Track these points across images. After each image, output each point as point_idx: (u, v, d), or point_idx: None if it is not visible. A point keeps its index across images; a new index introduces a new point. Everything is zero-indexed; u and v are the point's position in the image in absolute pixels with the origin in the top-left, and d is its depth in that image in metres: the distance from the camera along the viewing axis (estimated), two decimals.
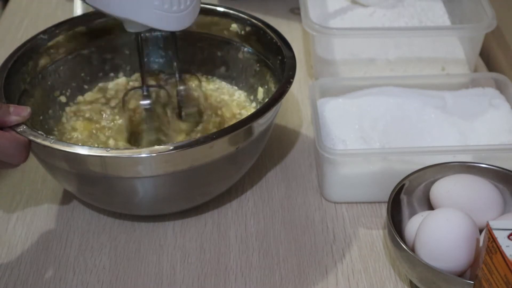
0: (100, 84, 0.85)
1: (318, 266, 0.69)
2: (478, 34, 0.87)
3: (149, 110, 0.78)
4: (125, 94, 0.78)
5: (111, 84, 0.85)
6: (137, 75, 0.86)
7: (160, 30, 0.77)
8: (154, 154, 0.64)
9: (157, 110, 0.78)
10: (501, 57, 0.96)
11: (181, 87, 0.80)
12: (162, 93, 0.79)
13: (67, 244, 0.72)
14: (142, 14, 0.67)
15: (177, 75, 0.80)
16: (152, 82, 0.84)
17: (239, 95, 0.84)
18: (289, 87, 0.72)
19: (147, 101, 0.78)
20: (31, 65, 0.78)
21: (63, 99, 0.82)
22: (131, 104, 0.78)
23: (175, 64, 0.80)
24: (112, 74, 0.86)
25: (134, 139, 0.78)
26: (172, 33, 0.78)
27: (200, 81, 0.83)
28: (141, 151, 0.64)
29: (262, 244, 0.72)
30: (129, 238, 0.73)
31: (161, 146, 0.65)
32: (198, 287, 0.68)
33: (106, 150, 0.64)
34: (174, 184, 0.69)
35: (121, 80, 0.86)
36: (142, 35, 0.75)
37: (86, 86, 0.84)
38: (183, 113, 0.80)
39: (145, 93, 0.78)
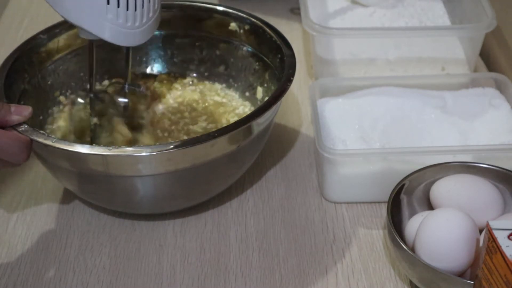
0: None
1: (318, 266, 0.69)
2: (478, 34, 0.87)
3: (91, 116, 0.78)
4: (106, 89, 0.79)
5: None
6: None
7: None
8: (155, 153, 0.64)
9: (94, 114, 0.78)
10: (501, 57, 0.96)
11: (125, 99, 0.79)
12: (140, 91, 0.79)
13: (67, 244, 0.72)
14: (95, 25, 0.66)
15: (126, 86, 0.79)
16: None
17: (238, 101, 0.84)
18: (290, 85, 0.72)
19: (125, 100, 0.78)
20: (31, 65, 0.78)
21: (62, 99, 0.82)
22: (111, 98, 0.78)
23: (127, 75, 0.79)
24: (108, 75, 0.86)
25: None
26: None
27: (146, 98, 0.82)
28: (143, 150, 0.64)
29: (262, 244, 0.72)
30: (129, 238, 0.73)
31: (163, 145, 0.65)
32: (198, 287, 0.68)
33: (108, 149, 0.64)
34: (175, 183, 0.70)
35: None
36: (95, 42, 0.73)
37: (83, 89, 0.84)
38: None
39: (126, 90, 0.78)
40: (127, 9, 0.66)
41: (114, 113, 0.78)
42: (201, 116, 0.82)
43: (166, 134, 0.79)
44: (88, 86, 0.77)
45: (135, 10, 0.66)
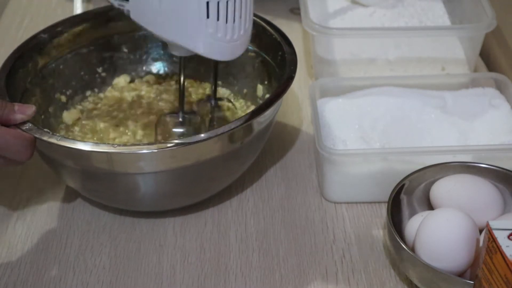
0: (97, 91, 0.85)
1: (318, 266, 0.69)
2: (478, 34, 0.87)
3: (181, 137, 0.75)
4: (159, 119, 0.76)
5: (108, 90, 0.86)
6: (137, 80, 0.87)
7: (207, 58, 0.69)
8: (160, 150, 0.64)
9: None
10: (501, 57, 0.96)
11: (216, 114, 0.79)
12: (196, 119, 0.76)
13: (67, 244, 0.72)
14: (192, 40, 0.64)
15: (212, 101, 0.79)
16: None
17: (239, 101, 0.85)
18: (292, 82, 0.72)
19: (181, 130, 0.75)
20: (32, 64, 0.78)
21: (63, 98, 0.82)
22: (165, 130, 0.76)
23: (212, 89, 0.79)
24: (108, 74, 0.86)
25: None
26: (216, 61, 0.76)
27: (233, 104, 0.81)
28: (147, 148, 0.64)
29: (262, 244, 0.72)
30: (129, 237, 0.73)
31: (167, 143, 0.65)
32: (198, 287, 0.68)
33: (113, 147, 0.65)
34: (179, 180, 0.70)
35: (120, 81, 0.86)
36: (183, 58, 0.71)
37: (84, 89, 0.84)
38: None
39: (180, 119, 0.75)
40: (226, 22, 0.63)
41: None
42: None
43: None
44: (178, 106, 0.75)
45: (234, 22, 0.64)
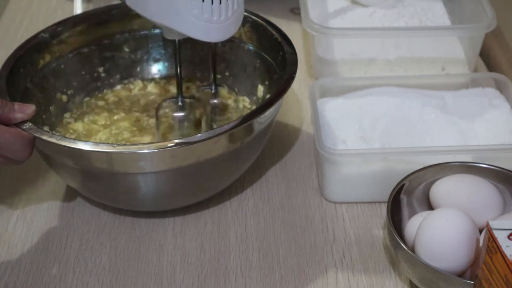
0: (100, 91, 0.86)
1: (318, 266, 0.69)
2: (478, 34, 0.87)
3: (182, 121, 0.76)
4: (159, 105, 0.77)
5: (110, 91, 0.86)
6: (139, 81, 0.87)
7: (198, 40, 0.69)
8: (160, 150, 0.64)
9: (191, 121, 0.76)
10: (501, 57, 0.96)
11: (216, 100, 0.80)
12: (197, 104, 0.76)
13: (67, 244, 0.72)
14: (180, 22, 0.65)
15: (213, 87, 0.80)
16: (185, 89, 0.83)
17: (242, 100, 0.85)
18: (292, 82, 0.72)
19: (182, 113, 0.75)
20: (33, 63, 0.78)
21: (64, 98, 0.82)
22: (165, 114, 0.76)
23: (212, 76, 0.79)
24: (109, 74, 0.86)
25: None
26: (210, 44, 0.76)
27: (236, 94, 0.82)
28: (147, 147, 0.64)
29: (262, 244, 0.72)
30: (129, 237, 0.73)
31: (167, 142, 0.65)
32: (198, 287, 0.68)
33: (113, 147, 0.65)
34: (179, 180, 0.70)
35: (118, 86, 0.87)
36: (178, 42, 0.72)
37: (85, 88, 0.85)
38: (215, 126, 0.78)
39: (179, 103, 0.75)
40: (212, 3, 0.64)
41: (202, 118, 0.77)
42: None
43: None
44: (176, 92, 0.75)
45: (220, 3, 0.65)
